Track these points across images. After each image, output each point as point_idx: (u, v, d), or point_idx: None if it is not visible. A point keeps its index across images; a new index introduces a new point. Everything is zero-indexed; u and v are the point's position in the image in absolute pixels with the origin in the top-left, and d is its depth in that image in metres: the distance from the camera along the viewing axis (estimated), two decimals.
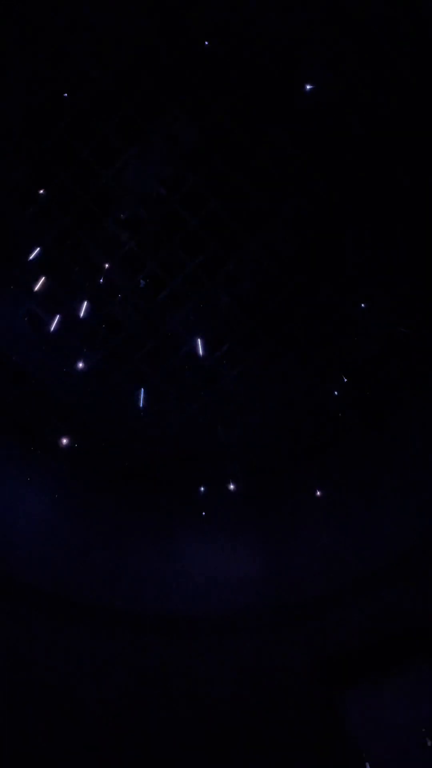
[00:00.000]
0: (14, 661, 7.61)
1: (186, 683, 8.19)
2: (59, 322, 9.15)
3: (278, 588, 8.55)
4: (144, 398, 9.58)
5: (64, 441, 9.35)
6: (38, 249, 8.77)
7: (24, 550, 8.52)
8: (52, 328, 9.15)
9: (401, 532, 8.44)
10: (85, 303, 9.11)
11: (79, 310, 9.11)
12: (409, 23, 7.36)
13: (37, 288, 8.91)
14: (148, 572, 8.92)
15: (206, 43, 7.47)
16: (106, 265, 8.76)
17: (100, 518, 9.16)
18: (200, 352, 9.40)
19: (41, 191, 8.31)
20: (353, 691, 7.78)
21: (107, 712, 7.68)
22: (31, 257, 8.76)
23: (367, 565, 8.14)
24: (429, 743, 7.27)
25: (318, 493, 9.13)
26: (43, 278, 8.92)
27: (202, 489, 9.43)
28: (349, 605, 8.07)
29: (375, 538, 8.37)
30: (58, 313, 9.12)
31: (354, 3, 7.49)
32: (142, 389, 9.51)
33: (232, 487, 9.35)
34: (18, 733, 7.12)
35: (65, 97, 7.77)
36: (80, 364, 9.24)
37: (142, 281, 8.84)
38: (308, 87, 7.84)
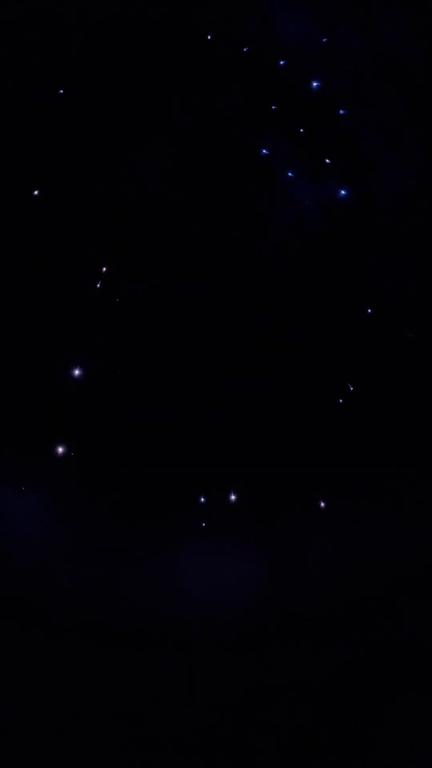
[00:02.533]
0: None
1: (186, 700, 7.93)
2: (54, 327, 8.88)
3: (282, 604, 8.25)
4: (142, 404, 9.28)
5: (60, 449, 9.03)
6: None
7: (15, 561, 8.31)
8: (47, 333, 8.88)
9: (411, 546, 8.23)
10: (83, 306, 8.84)
11: (76, 312, 8.84)
12: None
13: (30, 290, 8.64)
14: (145, 586, 8.62)
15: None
16: (104, 269, 8.48)
17: (96, 529, 8.87)
18: (200, 355, 9.14)
19: (36, 192, 8.02)
20: (361, 711, 7.50)
21: (103, 730, 7.44)
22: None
23: (375, 580, 7.88)
24: None
25: (322, 504, 8.84)
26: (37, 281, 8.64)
27: (203, 499, 9.12)
28: (358, 623, 7.80)
29: (384, 551, 8.10)
30: (52, 317, 8.84)
31: None
32: (141, 394, 9.20)
33: (233, 497, 9.04)
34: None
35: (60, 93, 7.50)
36: (77, 370, 8.93)
37: (139, 288, 8.56)
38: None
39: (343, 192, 8.49)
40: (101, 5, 7.43)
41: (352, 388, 8.93)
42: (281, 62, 7.67)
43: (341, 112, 8.27)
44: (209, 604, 8.67)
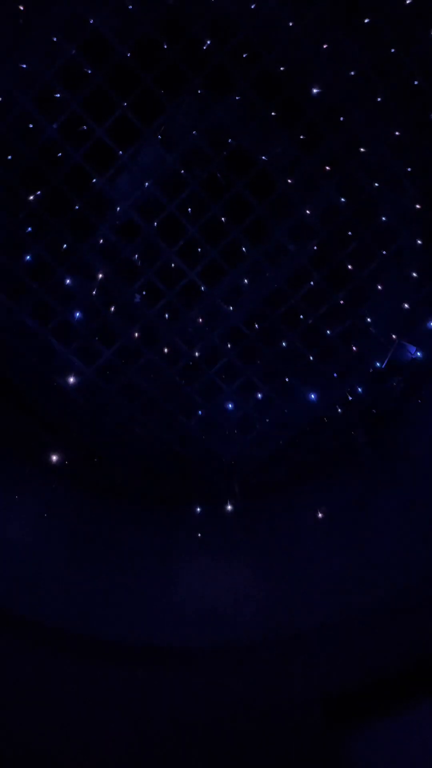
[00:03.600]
0: None
1: (181, 718, 7.79)
2: (50, 333, 8.73)
3: (278, 617, 8.12)
4: (138, 413, 9.16)
5: (54, 458, 8.89)
6: (28, 257, 8.35)
7: (7, 573, 8.16)
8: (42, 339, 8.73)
9: (410, 559, 8.10)
10: (78, 313, 8.68)
11: (71, 320, 8.68)
12: None
13: (27, 296, 8.48)
14: (139, 599, 8.48)
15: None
16: (100, 275, 8.33)
17: (89, 541, 8.74)
18: (198, 364, 9.01)
19: (31, 197, 7.87)
20: (358, 728, 7.39)
21: (99, 751, 7.30)
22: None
23: (373, 593, 7.75)
24: None
25: (319, 514, 8.73)
26: (33, 287, 8.47)
27: (198, 509, 9.00)
28: (355, 636, 7.67)
29: (382, 564, 7.98)
30: (49, 324, 8.68)
31: None
32: (136, 404, 9.07)
33: (229, 507, 8.93)
34: None
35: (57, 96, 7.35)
36: (71, 378, 8.79)
37: (137, 295, 8.41)
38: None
39: (342, 199, 8.39)
40: (101, 9, 7.30)
41: (351, 398, 8.84)
42: (281, 68, 7.57)
43: (341, 118, 8.16)
44: (205, 615, 8.53)
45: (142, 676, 7.82)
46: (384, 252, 8.55)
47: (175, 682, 7.86)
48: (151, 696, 7.74)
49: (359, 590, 7.90)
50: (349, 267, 8.59)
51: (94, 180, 7.97)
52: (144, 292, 8.59)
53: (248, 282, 8.59)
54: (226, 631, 8.15)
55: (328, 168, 8.26)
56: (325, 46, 7.68)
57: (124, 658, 7.93)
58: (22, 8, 7.11)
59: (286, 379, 8.93)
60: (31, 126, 7.73)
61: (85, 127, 7.71)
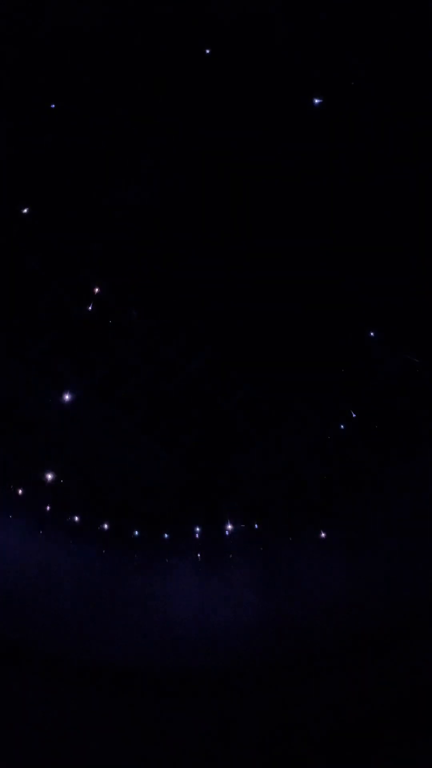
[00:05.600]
0: None
1: (180, 747, 7.67)
2: (45, 348, 8.45)
3: (281, 641, 7.97)
4: (136, 430, 8.92)
5: (49, 476, 8.66)
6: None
7: (3, 588, 7.98)
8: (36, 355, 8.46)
9: (413, 577, 7.97)
10: (73, 327, 8.41)
11: (66, 335, 8.41)
12: None
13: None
14: (136, 622, 8.33)
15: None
16: (96, 290, 8.04)
17: (83, 562, 8.56)
18: (194, 379, 8.76)
19: (24, 210, 7.54)
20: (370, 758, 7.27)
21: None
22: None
23: (380, 616, 7.61)
24: None
25: (323, 534, 8.55)
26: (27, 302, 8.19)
27: (198, 529, 8.80)
28: (364, 661, 7.54)
29: (389, 585, 7.83)
30: (43, 339, 8.41)
31: None
32: (134, 421, 8.83)
33: (230, 527, 8.73)
34: None
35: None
36: (66, 395, 8.52)
37: (134, 311, 8.13)
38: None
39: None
40: (100, 17, 6.94)
41: (354, 415, 8.61)
42: (280, 79, 7.24)
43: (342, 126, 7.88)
44: (204, 636, 8.41)
45: (140, 702, 7.68)
46: None
47: (173, 708, 7.73)
48: (149, 722, 7.61)
49: (366, 611, 7.74)
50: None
51: None
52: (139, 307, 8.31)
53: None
54: (227, 654, 8.01)
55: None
56: None
57: (121, 683, 7.79)
58: None
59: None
60: None
61: None
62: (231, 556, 8.58)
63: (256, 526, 8.74)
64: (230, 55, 7.24)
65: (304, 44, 7.23)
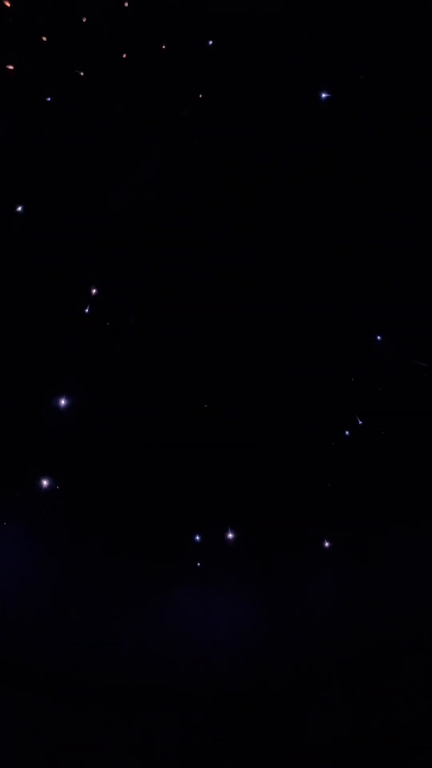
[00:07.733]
0: None
1: (180, 753, 7.32)
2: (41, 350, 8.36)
3: (285, 657, 7.65)
4: (135, 433, 8.73)
5: (45, 482, 8.47)
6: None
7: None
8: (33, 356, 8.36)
9: (419, 589, 7.68)
10: (71, 331, 8.32)
11: (63, 338, 8.32)
12: None
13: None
14: (138, 629, 8.03)
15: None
16: (93, 291, 7.96)
17: (86, 569, 8.31)
18: (195, 385, 8.62)
19: (19, 208, 7.51)
20: None
21: None
22: None
23: (388, 632, 7.30)
24: None
25: (326, 543, 8.27)
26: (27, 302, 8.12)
27: (198, 537, 8.54)
28: (369, 679, 7.21)
29: (396, 599, 7.53)
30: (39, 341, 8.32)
31: None
32: (133, 427, 8.66)
33: (230, 535, 8.47)
34: None
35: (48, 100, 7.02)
36: (63, 400, 8.38)
37: (132, 315, 8.05)
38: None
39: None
40: (101, 15, 7.02)
41: (360, 422, 8.40)
42: (284, 77, 7.27)
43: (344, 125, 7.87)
44: (204, 649, 8.08)
45: (135, 720, 7.35)
46: None
47: (171, 726, 7.38)
48: (145, 742, 7.26)
49: (374, 627, 7.43)
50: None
51: None
52: (137, 310, 8.22)
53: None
54: (225, 661, 7.70)
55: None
56: None
57: (116, 700, 7.46)
58: None
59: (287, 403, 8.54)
60: None
61: None
62: (232, 565, 8.31)
63: (257, 537, 8.51)
64: (230, 54, 7.28)
65: (304, 44, 7.26)
